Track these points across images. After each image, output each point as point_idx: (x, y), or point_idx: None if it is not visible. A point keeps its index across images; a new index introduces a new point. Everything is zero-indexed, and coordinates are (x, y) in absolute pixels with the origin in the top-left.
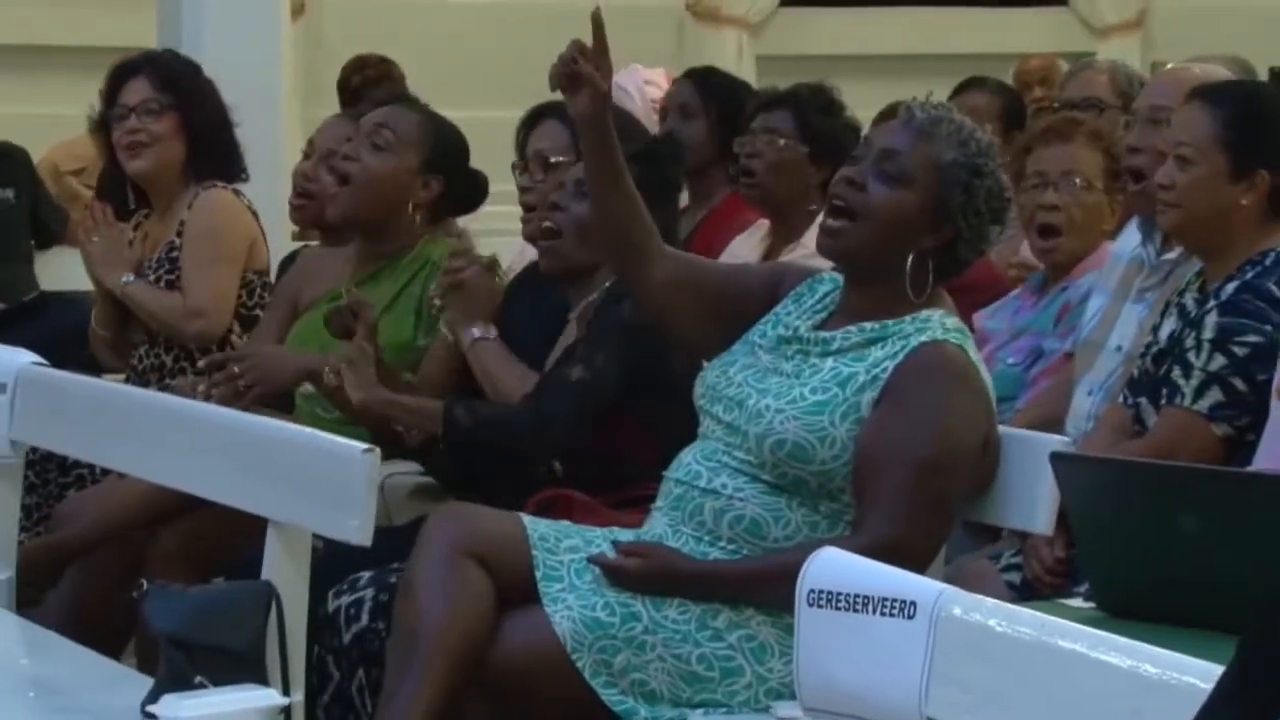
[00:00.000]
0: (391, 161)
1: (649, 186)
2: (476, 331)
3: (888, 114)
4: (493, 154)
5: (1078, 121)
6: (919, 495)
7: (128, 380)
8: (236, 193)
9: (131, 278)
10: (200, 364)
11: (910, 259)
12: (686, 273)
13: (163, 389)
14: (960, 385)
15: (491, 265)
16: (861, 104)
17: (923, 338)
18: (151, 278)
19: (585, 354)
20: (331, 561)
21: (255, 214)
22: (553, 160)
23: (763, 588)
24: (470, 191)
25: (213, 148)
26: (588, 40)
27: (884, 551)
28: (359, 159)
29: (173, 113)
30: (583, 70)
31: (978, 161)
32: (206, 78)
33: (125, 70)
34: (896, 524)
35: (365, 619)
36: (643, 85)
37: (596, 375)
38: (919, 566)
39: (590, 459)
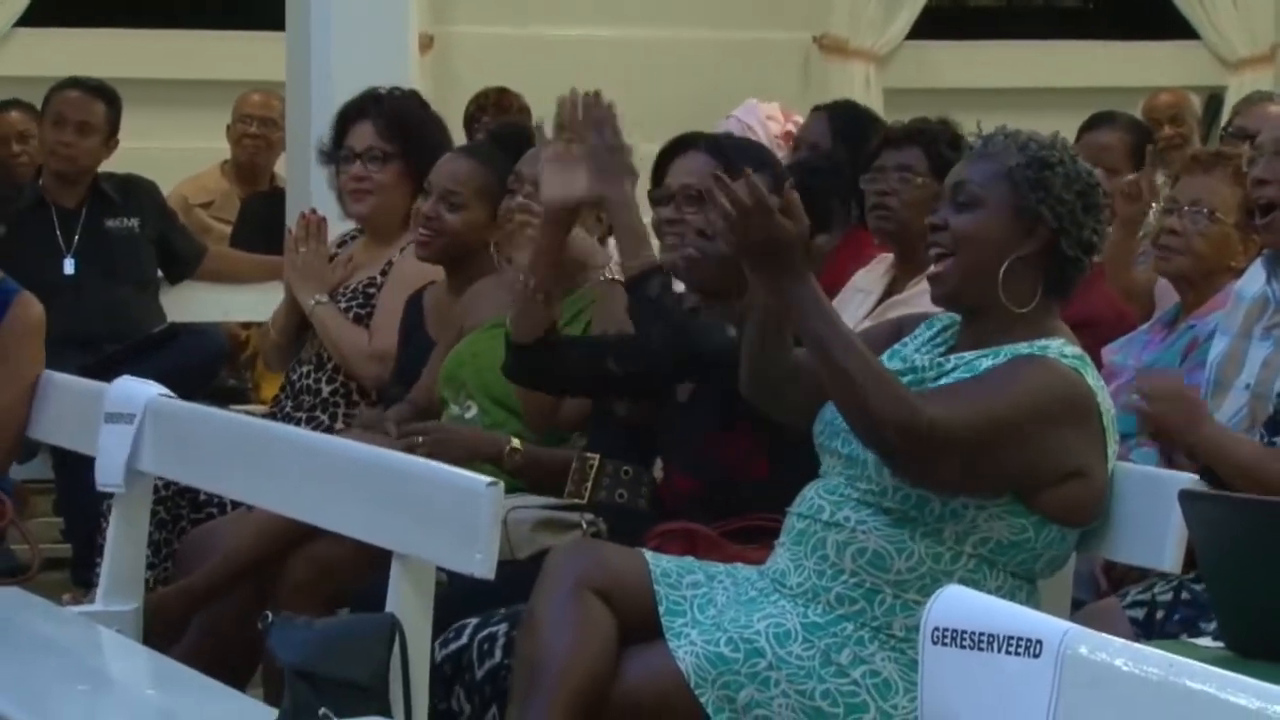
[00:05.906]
0: None
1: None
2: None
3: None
4: None
5: (1225, 156)
6: (974, 425)
7: (281, 391)
8: None
9: (325, 299)
10: (394, 431)
11: (1003, 267)
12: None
13: (349, 417)
14: (1057, 394)
15: None
16: None
17: (1035, 354)
18: (343, 305)
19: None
20: (454, 597)
21: None
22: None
23: (858, 366)
24: None
25: None
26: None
27: (915, 426)
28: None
29: (398, 160)
30: None
31: (1043, 155)
32: (434, 117)
33: (352, 113)
34: (944, 417)
35: (499, 655)
36: (765, 120)
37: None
38: (926, 471)
39: (706, 465)
